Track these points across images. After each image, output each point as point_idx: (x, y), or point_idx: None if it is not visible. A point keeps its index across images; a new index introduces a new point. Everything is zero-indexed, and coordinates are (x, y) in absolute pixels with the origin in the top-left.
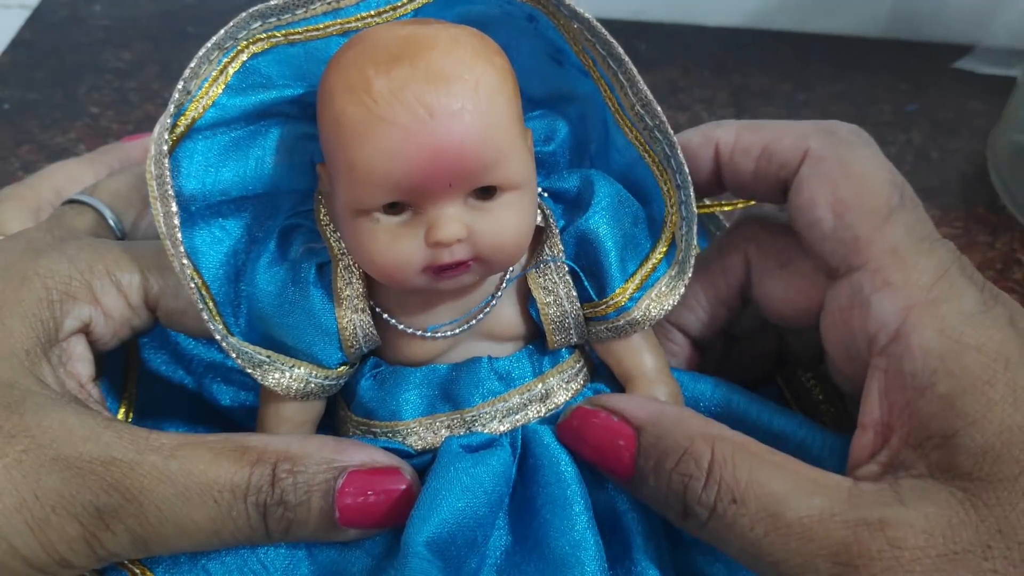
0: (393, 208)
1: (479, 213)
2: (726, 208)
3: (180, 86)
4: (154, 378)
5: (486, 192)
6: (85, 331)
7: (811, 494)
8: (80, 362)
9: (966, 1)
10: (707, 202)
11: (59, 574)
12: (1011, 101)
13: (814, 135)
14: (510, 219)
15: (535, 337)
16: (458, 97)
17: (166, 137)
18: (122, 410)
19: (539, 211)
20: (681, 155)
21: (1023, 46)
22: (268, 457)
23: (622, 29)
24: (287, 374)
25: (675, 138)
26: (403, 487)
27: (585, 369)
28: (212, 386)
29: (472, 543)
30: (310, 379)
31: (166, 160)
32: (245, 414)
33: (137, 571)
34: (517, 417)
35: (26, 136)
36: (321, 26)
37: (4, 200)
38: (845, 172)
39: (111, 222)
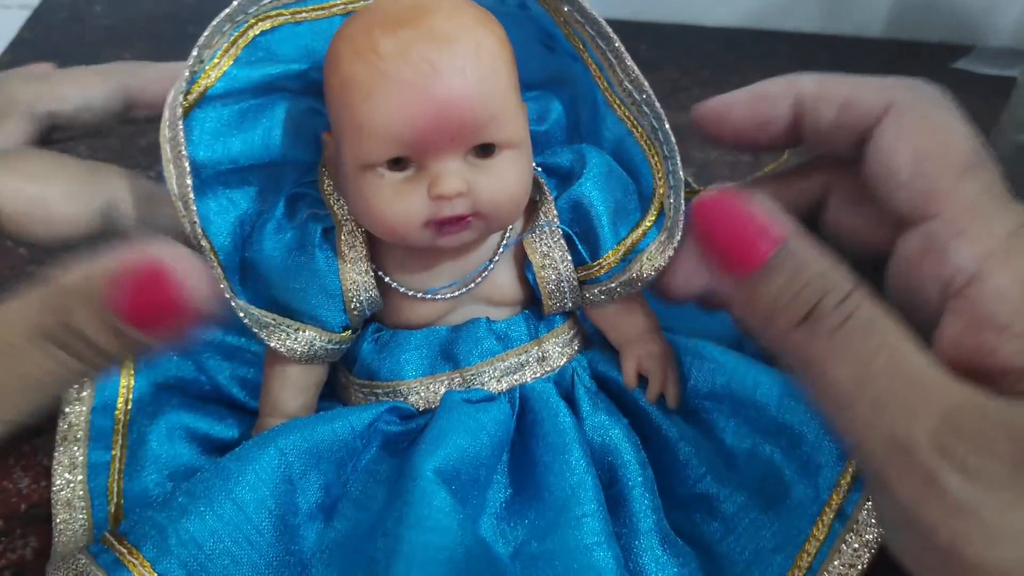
0: (397, 164)
1: (479, 170)
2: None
3: (194, 53)
4: (151, 365)
5: (485, 150)
6: None
7: (937, 362)
8: None
9: (966, 1)
10: (695, 186)
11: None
12: (1011, 101)
13: (899, 89)
14: (508, 177)
15: (531, 303)
16: (461, 56)
17: (180, 100)
18: (120, 400)
19: (534, 181)
20: (667, 127)
21: (1023, 46)
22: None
23: (622, 29)
24: (292, 336)
25: (662, 111)
26: (166, 272)
27: (579, 335)
28: (210, 363)
29: (475, 481)
30: (314, 342)
31: (180, 123)
32: (246, 391)
33: (124, 550)
34: (515, 377)
35: None
36: (326, 6)
37: None
38: (927, 125)
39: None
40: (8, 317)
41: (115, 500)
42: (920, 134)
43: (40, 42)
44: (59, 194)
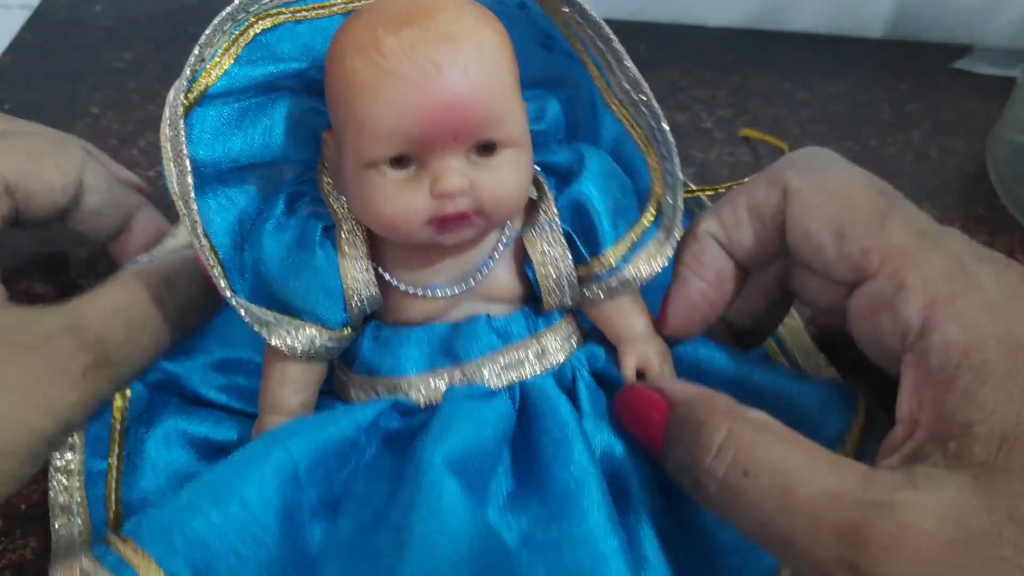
0: (399, 162)
1: (480, 168)
2: (709, 193)
3: (196, 52)
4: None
5: (487, 148)
6: None
7: (824, 473)
8: None
9: (966, 1)
10: (692, 186)
11: (60, 441)
12: (1011, 101)
13: (782, 172)
14: (509, 175)
15: (530, 301)
16: (464, 55)
17: (181, 99)
18: (116, 410)
19: (534, 179)
20: (665, 126)
21: (1023, 46)
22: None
23: (622, 29)
24: (292, 334)
25: (659, 111)
26: None
27: (578, 332)
28: (204, 377)
29: (480, 472)
30: (315, 340)
31: (181, 122)
32: (243, 400)
33: (129, 550)
34: (515, 373)
35: None
36: (326, 4)
37: None
38: (827, 194)
39: None
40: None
41: (113, 508)
42: (824, 205)
43: (40, 42)
44: (51, 166)
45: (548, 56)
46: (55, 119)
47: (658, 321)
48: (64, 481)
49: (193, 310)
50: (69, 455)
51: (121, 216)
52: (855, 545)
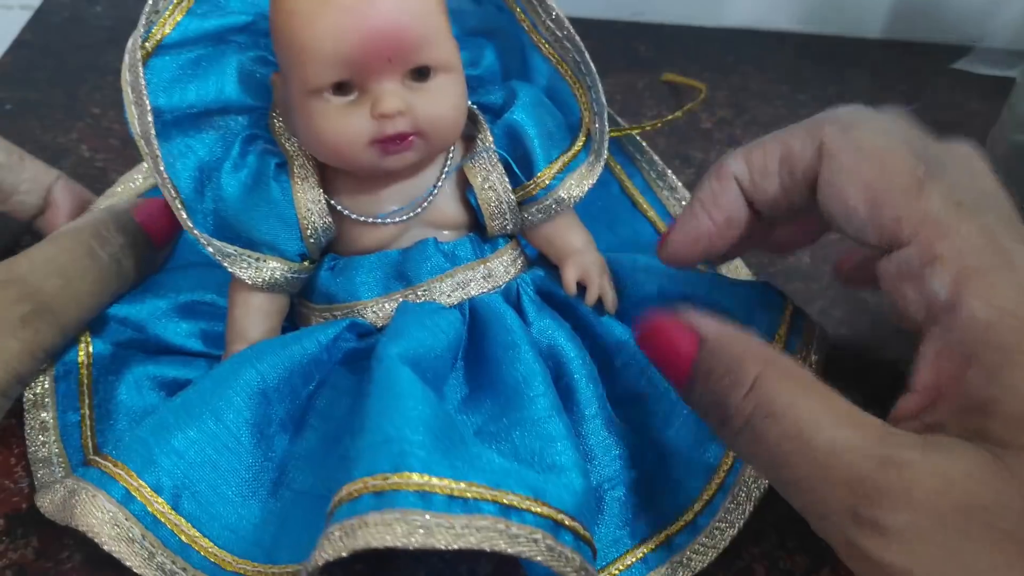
0: (341, 89)
1: (417, 92)
2: (635, 131)
3: (149, 3)
4: (103, 337)
5: (421, 74)
6: None
7: (844, 425)
8: None
9: (965, 2)
10: (623, 124)
11: (14, 391)
12: (1010, 102)
13: (821, 127)
14: (445, 97)
15: (475, 228)
16: None
17: (139, 45)
18: (80, 364)
19: (470, 114)
20: (588, 58)
21: (1022, 47)
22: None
23: (622, 30)
24: (255, 266)
25: (581, 45)
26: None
27: (522, 257)
28: (167, 325)
29: (435, 373)
30: (275, 271)
31: (140, 66)
32: (208, 343)
33: (110, 464)
34: (464, 291)
35: (27, 137)
36: None
37: None
38: (864, 156)
39: None
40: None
41: (91, 454)
42: (861, 168)
43: (41, 43)
44: (28, 178)
45: (477, 8)
46: (55, 119)
47: (659, 242)
48: (41, 437)
49: (129, 258)
50: (44, 414)
51: (40, 191)
52: (863, 496)
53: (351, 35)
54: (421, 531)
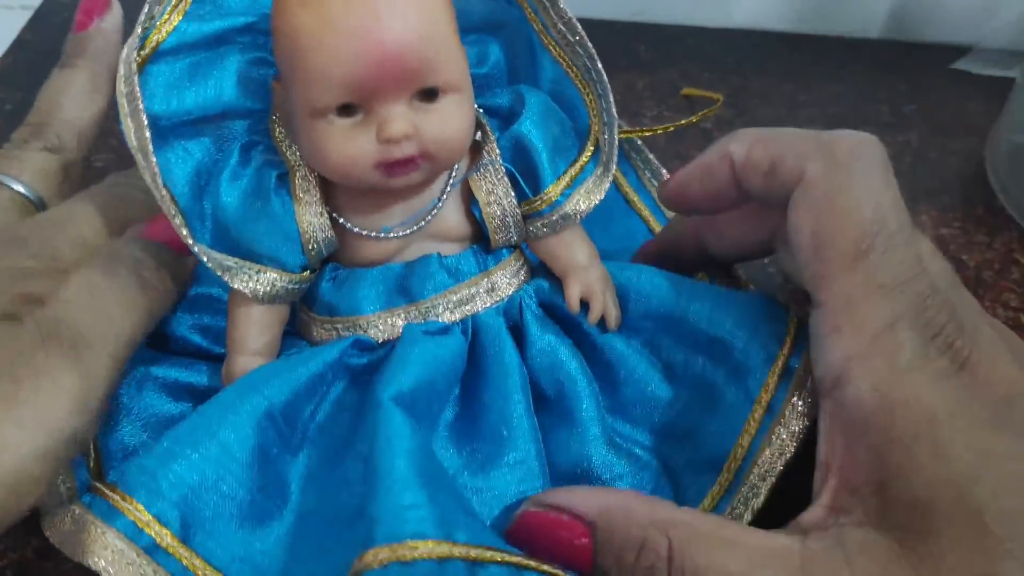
0: (346, 110)
1: (424, 113)
2: (645, 134)
3: (145, 10)
4: None
5: (429, 94)
6: None
7: (765, 567)
8: None
9: (965, 2)
10: (625, 127)
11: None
12: (1009, 102)
13: (813, 157)
14: (452, 118)
15: (479, 239)
16: (402, 4)
17: (134, 56)
18: None
19: (477, 122)
20: (600, 66)
21: (1022, 47)
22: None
23: (622, 30)
24: (254, 278)
25: (593, 51)
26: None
27: (526, 267)
28: (170, 317)
29: (429, 410)
30: (275, 283)
31: (135, 78)
32: (208, 338)
33: (117, 497)
34: (467, 307)
35: None
36: None
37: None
38: (830, 204)
39: (33, 200)
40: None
41: (93, 457)
42: (821, 213)
43: (41, 43)
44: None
45: (487, 2)
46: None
47: (661, 184)
48: None
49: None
50: None
51: None
52: None
53: (358, 59)
54: None
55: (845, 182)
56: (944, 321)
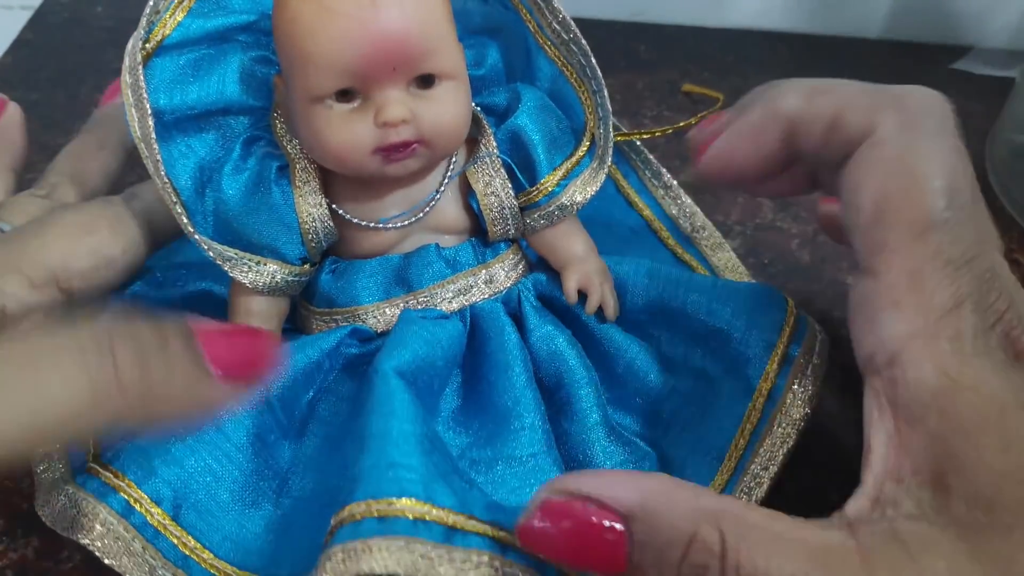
0: (344, 96)
1: (421, 100)
2: (644, 136)
3: (151, 4)
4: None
5: (426, 81)
6: None
7: (826, 567)
8: None
9: (965, 2)
10: (624, 129)
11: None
12: (1009, 102)
13: (885, 110)
14: (449, 105)
15: (477, 232)
16: None
17: (140, 47)
18: None
19: (474, 117)
20: (594, 62)
21: (1022, 47)
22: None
23: (622, 30)
24: (255, 269)
25: (587, 48)
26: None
27: (523, 261)
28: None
29: (429, 387)
30: (276, 274)
31: (140, 69)
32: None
33: (110, 475)
34: (465, 297)
35: (28, 136)
36: None
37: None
38: (900, 165)
39: None
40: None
41: (92, 449)
42: (890, 175)
43: (41, 43)
44: (107, 236)
45: (483, 6)
46: (56, 119)
47: (696, 153)
48: None
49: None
50: None
51: None
52: None
53: (355, 44)
54: (424, 561)
55: (919, 143)
56: (1003, 308)
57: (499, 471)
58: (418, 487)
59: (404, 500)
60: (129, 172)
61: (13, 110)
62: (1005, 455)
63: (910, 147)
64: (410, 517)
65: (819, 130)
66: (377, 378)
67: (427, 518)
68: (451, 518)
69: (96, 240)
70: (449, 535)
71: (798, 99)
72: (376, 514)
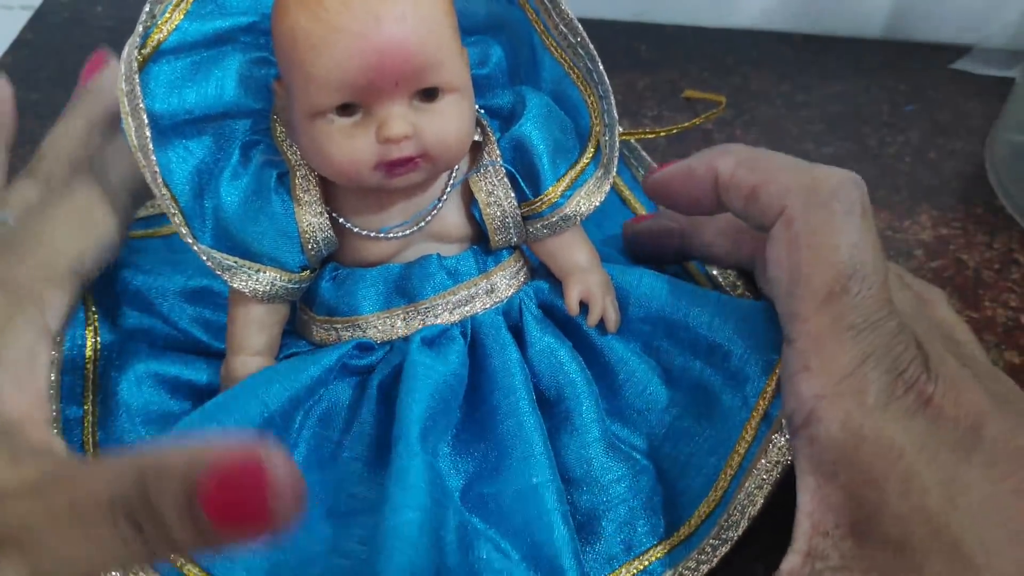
0: (346, 110)
1: (424, 114)
2: (648, 136)
3: (147, 9)
4: (113, 321)
5: (429, 94)
6: None
7: None
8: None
9: (965, 2)
10: (625, 129)
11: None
12: (1009, 102)
13: (796, 193)
14: (452, 119)
15: (479, 240)
16: (402, 4)
17: (135, 55)
18: (87, 358)
19: (477, 123)
20: (601, 68)
21: (1022, 47)
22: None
23: (622, 30)
24: (254, 277)
25: (595, 52)
26: (266, 474)
27: (525, 268)
28: (172, 308)
29: (442, 429)
30: (275, 282)
31: (136, 76)
32: (210, 332)
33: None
34: (466, 308)
35: (28, 136)
36: None
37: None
38: (807, 243)
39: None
40: (84, 480)
41: (91, 452)
42: (798, 252)
43: (42, 43)
44: (106, 221)
45: (489, 3)
46: (56, 119)
47: (647, 176)
48: None
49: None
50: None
51: None
52: None
53: (358, 60)
54: None
55: (824, 222)
56: (910, 357)
57: (507, 507)
58: None
59: None
60: None
61: (3, 84)
62: (908, 498)
63: (816, 226)
64: None
65: (740, 199)
66: (402, 448)
67: None
68: None
69: (101, 230)
70: None
71: (727, 165)
72: None
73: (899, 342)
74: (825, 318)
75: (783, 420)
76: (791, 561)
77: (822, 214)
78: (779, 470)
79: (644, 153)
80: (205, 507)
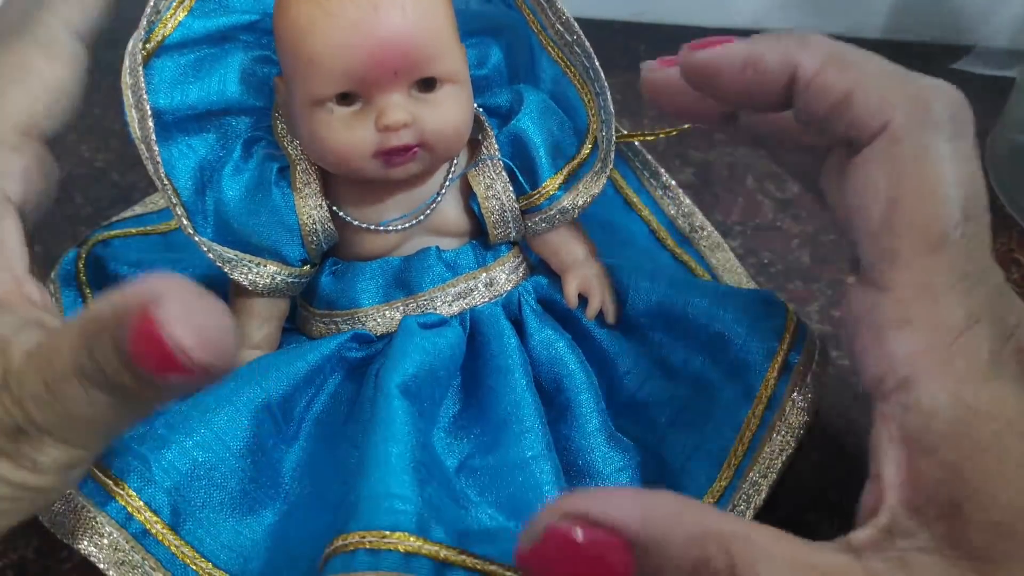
0: (345, 99)
1: (422, 103)
2: (648, 138)
3: (151, 4)
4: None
5: (428, 84)
6: None
7: None
8: None
9: (965, 2)
10: (624, 131)
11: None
12: (1010, 102)
13: (904, 106)
14: (450, 109)
15: (478, 235)
16: None
17: (140, 49)
18: None
19: (476, 119)
20: (597, 64)
21: (1022, 47)
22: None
23: (622, 30)
24: (255, 270)
25: (591, 50)
26: (153, 325)
27: (524, 264)
28: None
29: (431, 398)
30: (276, 276)
31: (140, 69)
32: None
33: (109, 481)
34: (465, 301)
35: None
36: None
37: None
38: (917, 169)
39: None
40: (50, 353)
41: None
42: (906, 178)
43: None
44: (47, 64)
45: (487, 5)
46: None
47: (691, 44)
48: None
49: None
50: None
51: None
52: None
53: (357, 50)
54: None
55: (937, 146)
56: (1015, 322)
57: (501, 478)
58: (412, 520)
59: (397, 534)
60: (130, 171)
61: None
62: (1018, 481)
63: (928, 150)
64: (402, 551)
65: (825, 104)
66: (380, 397)
67: (419, 553)
68: (442, 553)
69: (46, 76)
70: (439, 571)
71: (813, 61)
72: (368, 546)
73: (1005, 302)
74: (936, 264)
75: (869, 387)
76: (868, 535)
77: (937, 138)
78: (784, 458)
79: (649, 157)
80: (135, 360)
